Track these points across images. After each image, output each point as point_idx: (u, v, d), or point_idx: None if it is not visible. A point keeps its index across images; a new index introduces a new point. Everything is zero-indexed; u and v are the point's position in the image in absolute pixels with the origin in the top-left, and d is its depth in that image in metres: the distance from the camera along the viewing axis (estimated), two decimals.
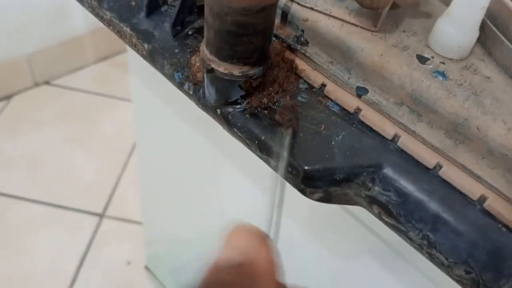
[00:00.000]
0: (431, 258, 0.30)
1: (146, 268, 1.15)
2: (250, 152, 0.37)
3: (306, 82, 0.37)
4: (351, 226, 0.45)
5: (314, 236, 0.55)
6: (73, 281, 1.22)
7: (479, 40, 0.35)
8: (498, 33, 0.34)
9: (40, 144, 1.49)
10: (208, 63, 0.34)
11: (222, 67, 0.34)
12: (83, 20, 1.56)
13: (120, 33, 0.44)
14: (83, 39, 1.63)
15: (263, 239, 0.25)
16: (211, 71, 0.35)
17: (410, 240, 0.31)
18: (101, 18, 0.45)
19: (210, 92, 0.37)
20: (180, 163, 0.79)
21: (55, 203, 1.36)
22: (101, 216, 1.36)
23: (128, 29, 0.42)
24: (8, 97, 1.60)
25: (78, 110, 1.60)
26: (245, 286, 0.23)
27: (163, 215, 0.98)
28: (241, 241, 0.25)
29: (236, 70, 0.34)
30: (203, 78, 0.37)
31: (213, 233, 0.85)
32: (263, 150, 0.35)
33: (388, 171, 0.31)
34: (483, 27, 0.35)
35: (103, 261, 1.26)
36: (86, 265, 1.26)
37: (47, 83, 1.66)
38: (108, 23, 0.44)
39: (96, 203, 1.38)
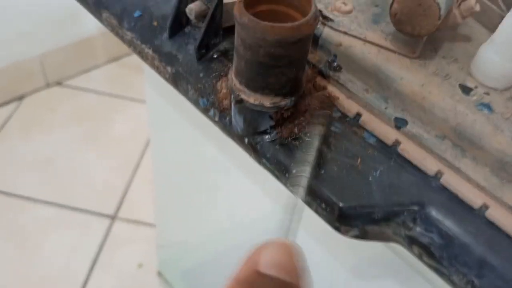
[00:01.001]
0: None
1: (158, 273, 1.15)
2: None
3: (340, 111, 0.35)
4: (380, 253, 0.43)
5: (332, 254, 0.53)
6: (85, 283, 1.22)
7: None
8: None
9: (52, 145, 1.48)
10: (237, 93, 0.33)
11: (252, 98, 0.32)
12: (94, 22, 1.54)
13: (141, 54, 0.42)
14: (94, 41, 1.62)
15: (304, 265, 0.24)
16: (240, 101, 0.33)
17: (453, 283, 0.29)
18: (122, 38, 0.44)
19: (237, 121, 0.35)
20: (194, 168, 0.78)
21: (68, 204, 1.36)
22: (113, 218, 1.35)
23: (150, 51, 0.41)
24: (20, 98, 1.59)
25: (90, 111, 1.59)
26: None
27: (176, 219, 0.97)
28: (285, 258, 0.24)
29: (267, 101, 0.32)
30: (230, 105, 0.36)
31: (226, 238, 0.84)
32: (295, 184, 0.33)
33: (430, 210, 0.30)
34: None
35: (115, 264, 1.26)
36: (98, 267, 1.25)
37: (59, 84, 1.65)
38: (129, 44, 0.43)
39: (108, 205, 1.37)
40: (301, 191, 0.30)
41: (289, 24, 0.28)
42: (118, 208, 1.37)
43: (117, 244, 1.30)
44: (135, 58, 0.43)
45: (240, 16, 0.29)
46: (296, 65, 0.31)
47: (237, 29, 0.30)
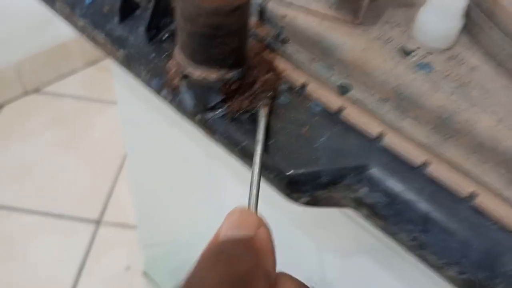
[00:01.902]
0: (423, 259, 0.29)
1: (145, 273, 1.14)
2: None
3: (287, 82, 0.35)
4: (342, 223, 0.43)
5: (304, 231, 0.53)
6: None
7: (465, 28, 0.33)
8: (485, 18, 0.33)
9: (32, 153, 1.47)
10: (183, 68, 0.33)
11: (198, 72, 0.33)
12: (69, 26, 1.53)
13: (94, 40, 0.42)
14: (70, 45, 1.61)
15: (261, 220, 0.26)
16: (186, 76, 0.33)
17: (400, 242, 0.30)
18: (75, 25, 0.44)
19: (187, 98, 0.35)
20: (172, 166, 0.78)
21: (51, 211, 1.35)
22: (98, 222, 1.34)
23: (102, 36, 0.41)
24: None
25: (69, 116, 1.58)
26: (248, 258, 0.23)
27: (158, 218, 0.97)
28: (241, 219, 0.25)
29: (213, 74, 0.32)
30: (180, 83, 0.36)
31: (210, 233, 0.83)
32: (245, 156, 0.34)
33: (374, 171, 0.30)
34: (468, 13, 0.33)
35: (102, 268, 1.25)
36: (85, 272, 1.24)
37: (36, 90, 1.64)
38: (82, 30, 0.43)
39: (92, 210, 1.36)
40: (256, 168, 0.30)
41: None
42: (103, 212, 1.36)
43: (104, 248, 1.29)
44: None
45: None
46: (237, 35, 0.31)
47: (175, 1, 0.31)
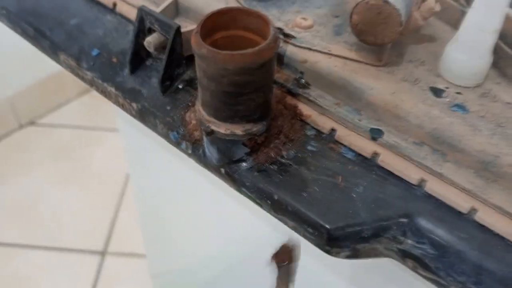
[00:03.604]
0: None
1: None
2: None
3: (314, 129, 0.34)
4: (377, 263, 0.42)
5: (329, 268, 0.52)
6: None
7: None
8: (511, 52, 0.32)
9: (32, 187, 1.45)
10: (206, 125, 0.32)
11: (223, 128, 0.31)
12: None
13: (105, 93, 0.41)
14: (62, 75, 1.58)
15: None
16: (211, 133, 0.32)
17: None
18: (82, 79, 0.42)
19: (211, 152, 0.34)
20: (178, 194, 0.76)
21: (55, 246, 1.32)
22: (103, 253, 1.32)
23: (113, 89, 0.39)
24: None
25: (67, 147, 1.56)
26: None
27: (166, 247, 0.95)
28: None
29: (238, 130, 0.31)
30: (201, 136, 0.34)
31: (221, 261, 0.81)
32: (278, 210, 0.32)
33: (419, 221, 0.29)
34: (494, 48, 0.32)
35: None
36: None
37: (32, 123, 1.61)
38: (91, 84, 0.41)
39: (96, 241, 1.34)
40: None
41: (249, 51, 0.27)
42: (107, 243, 1.34)
43: (111, 279, 1.27)
44: None
45: (198, 47, 0.28)
46: (263, 90, 0.30)
47: (197, 61, 0.29)
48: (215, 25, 0.30)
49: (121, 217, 1.39)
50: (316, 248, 0.32)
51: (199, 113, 0.32)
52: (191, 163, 0.61)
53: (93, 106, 1.67)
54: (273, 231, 0.46)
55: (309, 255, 0.50)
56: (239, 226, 0.66)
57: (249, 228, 0.63)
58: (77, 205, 1.41)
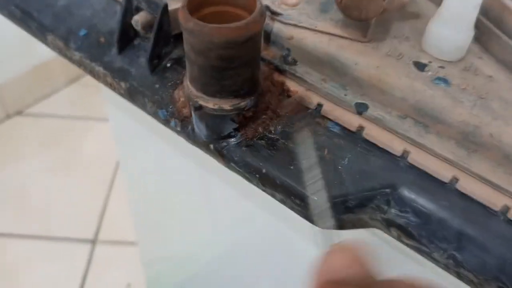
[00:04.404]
0: (460, 277, 0.29)
1: None
2: None
3: (301, 104, 0.35)
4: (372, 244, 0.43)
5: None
6: None
7: (474, 37, 0.33)
8: (493, 27, 0.33)
9: (21, 177, 1.44)
10: (195, 100, 0.32)
11: (210, 103, 0.32)
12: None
13: (93, 73, 0.41)
14: (50, 64, 1.57)
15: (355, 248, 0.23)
16: (199, 108, 0.32)
17: (435, 260, 0.29)
18: (70, 59, 0.42)
19: (199, 128, 0.34)
20: (168, 180, 0.77)
21: (46, 235, 1.32)
22: (93, 241, 1.32)
23: (101, 69, 0.40)
24: None
25: (55, 137, 1.55)
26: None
27: (157, 234, 0.95)
28: (338, 260, 0.22)
29: (226, 104, 0.32)
30: (190, 113, 0.35)
31: (213, 248, 0.82)
32: (266, 184, 0.33)
33: (402, 190, 0.30)
34: (476, 23, 0.33)
35: (103, 287, 1.23)
36: None
37: (19, 113, 1.60)
38: (79, 64, 0.41)
39: (87, 229, 1.34)
40: (323, 194, 0.29)
41: (235, 24, 0.28)
42: (98, 231, 1.34)
43: (102, 267, 1.27)
44: None
45: (185, 21, 0.28)
46: (250, 64, 0.30)
47: (184, 35, 0.30)
48: (204, 0, 0.31)
49: (111, 205, 1.39)
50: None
51: (187, 89, 0.33)
52: (181, 148, 0.61)
53: (82, 95, 1.66)
54: (265, 215, 0.47)
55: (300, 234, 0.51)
56: (230, 212, 0.67)
57: (240, 214, 0.63)
58: (67, 194, 1.41)
